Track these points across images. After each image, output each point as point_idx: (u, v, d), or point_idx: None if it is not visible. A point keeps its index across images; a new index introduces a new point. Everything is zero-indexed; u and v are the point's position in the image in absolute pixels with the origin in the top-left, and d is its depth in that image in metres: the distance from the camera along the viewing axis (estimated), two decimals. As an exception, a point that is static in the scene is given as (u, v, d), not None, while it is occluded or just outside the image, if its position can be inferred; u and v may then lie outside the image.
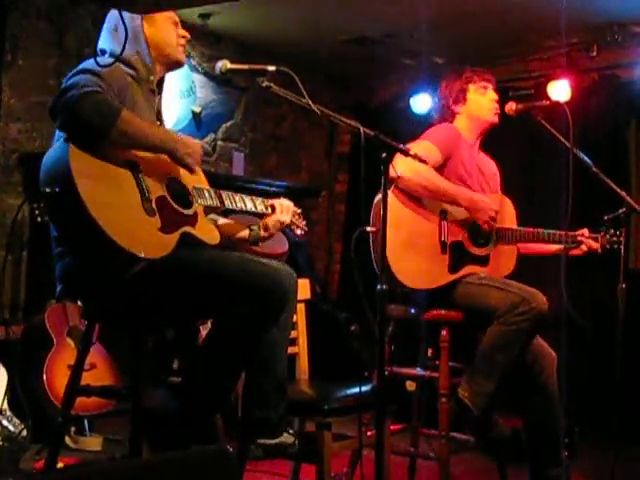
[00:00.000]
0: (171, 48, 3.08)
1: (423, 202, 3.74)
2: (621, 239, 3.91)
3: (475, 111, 3.93)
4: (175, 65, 3.14)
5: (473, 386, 3.58)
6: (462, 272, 3.73)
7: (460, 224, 3.77)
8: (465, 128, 3.94)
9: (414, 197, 3.72)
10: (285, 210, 3.27)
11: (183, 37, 3.13)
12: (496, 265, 3.82)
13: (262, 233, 3.22)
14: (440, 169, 3.76)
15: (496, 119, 3.94)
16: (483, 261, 3.79)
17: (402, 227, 3.64)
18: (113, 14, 3.00)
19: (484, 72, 3.99)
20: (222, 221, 3.22)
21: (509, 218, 3.93)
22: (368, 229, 3.45)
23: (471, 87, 3.94)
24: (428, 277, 3.68)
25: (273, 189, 6.00)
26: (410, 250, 3.66)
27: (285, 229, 3.36)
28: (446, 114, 3.98)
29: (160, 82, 3.14)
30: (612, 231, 3.93)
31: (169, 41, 3.07)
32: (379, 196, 3.65)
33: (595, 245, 3.91)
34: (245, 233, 3.22)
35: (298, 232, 3.36)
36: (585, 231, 3.92)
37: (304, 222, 3.39)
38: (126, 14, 2.93)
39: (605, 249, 3.94)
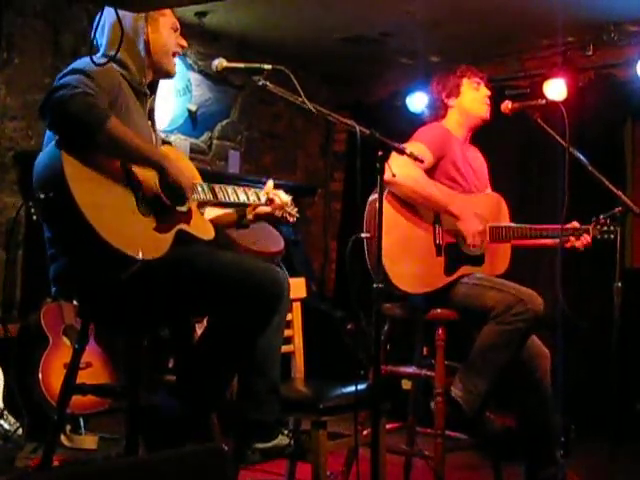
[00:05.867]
0: (167, 58, 3.06)
1: (416, 206, 3.74)
2: (612, 228, 3.90)
3: (468, 105, 3.94)
4: (164, 75, 3.12)
5: (466, 385, 3.58)
6: (458, 273, 3.73)
7: (453, 225, 3.77)
8: (456, 122, 3.95)
9: (408, 201, 3.72)
10: (277, 207, 3.26)
11: (181, 46, 3.12)
12: (491, 264, 3.83)
13: (249, 216, 3.21)
14: (432, 170, 3.77)
15: (487, 115, 3.96)
16: (478, 261, 3.80)
17: (396, 232, 3.63)
18: (110, 11, 2.98)
19: (477, 69, 4.02)
20: (212, 212, 3.21)
21: (503, 216, 3.94)
22: (362, 235, 3.46)
23: (465, 81, 3.96)
24: (425, 281, 3.68)
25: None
26: (405, 254, 3.65)
27: (280, 219, 3.35)
28: (439, 109, 3.99)
29: (154, 84, 3.13)
30: (602, 220, 3.92)
31: (167, 50, 3.05)
32: (371, 199, 3.67)
33: (587, 238, 3.91)
34: (233, 216, 3.21)
35: (290, 220, 3.36)
36: (575, 224, 3.92)
37: (296, 209, 3.39)
38: (127, 14, 2.93)
39: (597, 240, 3.93)
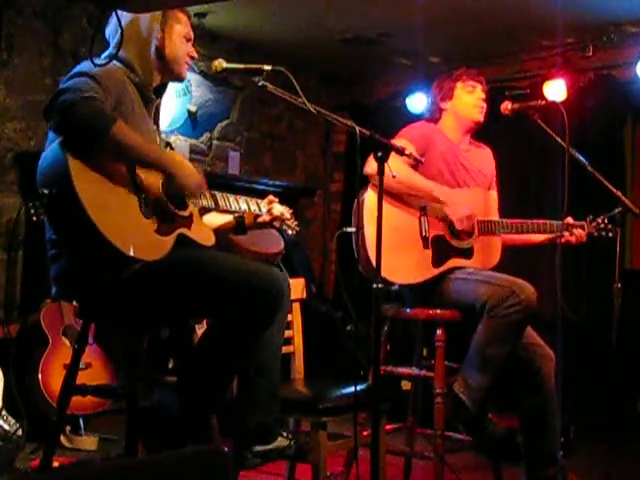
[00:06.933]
0: (177, 64, 3.07)
1: (402, 199, 3.75)
2: (609, 227, 3.90)
3: (460, 108, 3.95)
4: (175, 79, 3.13)
5: (468, 381, 3.59)
6: (446, 265, 3.74)
7: (440, 219, 3.78)
8: (451, 125, 3.97)
9: (393, 194, 3.73)
10: (277, 219, 3.26)
11: (191, 57, 3.12)
12: (481, 257, 3.83)
13: (247, 221, 3.21)
14: (415, 165, 3.77)
15: (480, 118, 3.96)
16: (467, 253, 3.80)
17: (383, 224, 3.63)
18: (121, 13, 2.98)
19: (475, 73, 4.02)
20: (214, 218, 3.21)
21: (492, 211, 3.95)
22: (348, 230, 3.47)
23: (459, 85, 3.96)
24: (413, 272, 3.70)
25: (269, 188, 6.00)
26: (393, 247, 3.65)
27: (279, 228, 3.37)
28: (434, 111, 4.01)
29: (161, 87, 3.14)
30: (600, 219, 3.92)
31: (178, 57, 3.06)
32: (362, 197, 3.67)
33: (581, 233, 3.91)
34: (231, 220, 3.21)
35: (290, 232, 3.37)
36: (569, 219, 3.92)
37: (296, 222, 3.39)
38: (145, 16, 2.93)
39: (593, 237, 3.93)
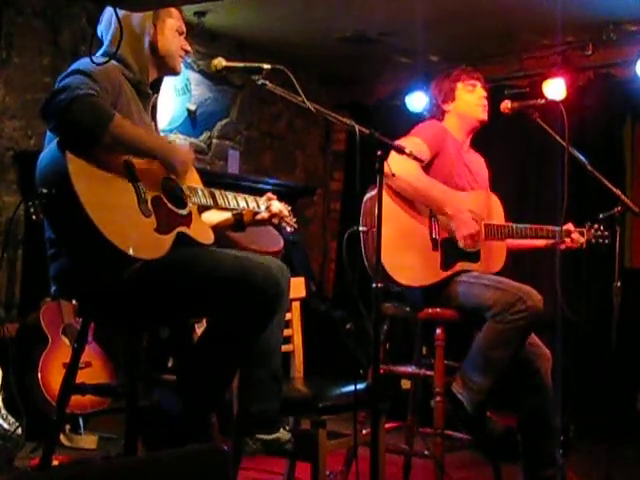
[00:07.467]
0: (171, 58, 3.07)
1: (414, 201, 3.75)
2: (606, 233, 3.93)
3: (464, 108, 3.94)
4: (169, 73, 3.14)
5: (467, 382, 3.58)
6: (454, 269, 3.73)
7: (448, 224, 3.78)
8: (454, 126, 3.96)
9: (406, 197, 3.72)
10: (276, 216, 3.26)
11: (185, 51, 3.13)
12: (487, 261, 3.83)
13: (246, 218, 3.21)
14: (427, 166, 3.77)
15: (485, 116, 3.95)
16: (474, 257, 3.80)
17: (393, 224, 3.63)
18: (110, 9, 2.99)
19: (473, 71, 4.02)
20: (212, 215, 3.21)
21: (497, 215, 3.95)
22: (359, 229, 3.46)
23: (459, 85, 3.96)
24: (421, 274, 3.69)
25: (268, 187, 5.99)
26: (402, 248, 3.66)
27: (279, 226, 3.36)
28: (436, 113, 4.00)
29: (157, 82, 3.14)
30: (597, 226, 3.95)
31: (172, 51, 3.07)
32: (369, 194, 3.67)
33: (581, 239, 3.93)
34: (229, 218, 3.21)
35: (288, 229, 3.36)
36: (570, 225, 3.94)
37: (294, 219, 3.39)
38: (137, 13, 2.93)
39: (590, 243, 3.96)
